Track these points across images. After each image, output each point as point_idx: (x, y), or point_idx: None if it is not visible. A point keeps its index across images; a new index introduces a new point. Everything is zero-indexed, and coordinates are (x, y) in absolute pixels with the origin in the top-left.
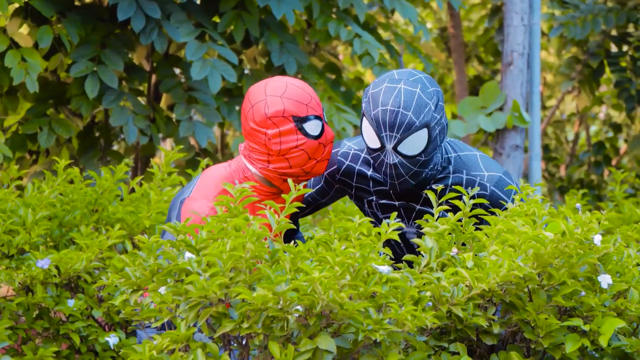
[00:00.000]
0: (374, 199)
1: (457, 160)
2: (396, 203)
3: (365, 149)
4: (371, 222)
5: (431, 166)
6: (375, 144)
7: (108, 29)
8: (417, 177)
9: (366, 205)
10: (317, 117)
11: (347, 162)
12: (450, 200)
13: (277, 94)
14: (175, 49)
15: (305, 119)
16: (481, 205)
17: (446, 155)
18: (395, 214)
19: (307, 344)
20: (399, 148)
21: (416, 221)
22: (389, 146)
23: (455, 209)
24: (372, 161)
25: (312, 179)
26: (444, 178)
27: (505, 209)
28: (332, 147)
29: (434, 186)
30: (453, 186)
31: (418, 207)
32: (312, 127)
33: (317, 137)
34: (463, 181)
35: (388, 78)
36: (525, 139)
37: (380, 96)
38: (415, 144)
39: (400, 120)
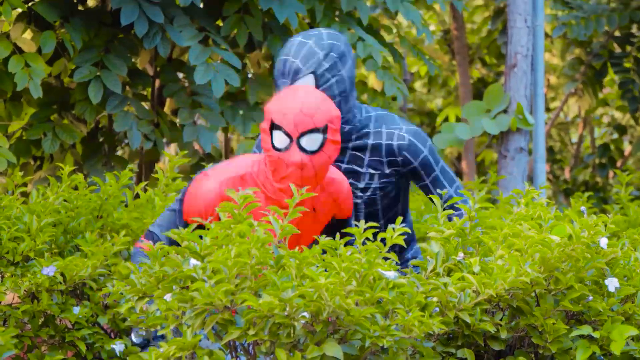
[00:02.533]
0: None
1: (377, 117)
2: None
3: None
4: None
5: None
6: None
7: (111, 33)
8: None
9: None
10: (287, 134)
11: None
12: (370, 158)
13: (280, 93)
14: (178, 53)
15: (276, 127)
16: (403, 159)
17: (367, 114)
18: None
19: (314, 351)
20: None
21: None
22: None
23: (379, 166)
24: None
25: None
26: (366, 135)
27: (426, 159)
28: (295, 173)
29: (356, 143)
30: (373, 143)
31: (344, 165)
32: (278, 139)
33: (279, 150)
34: (384, 135)
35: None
36: (530, 141)
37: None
38: None
39: (289, 67)
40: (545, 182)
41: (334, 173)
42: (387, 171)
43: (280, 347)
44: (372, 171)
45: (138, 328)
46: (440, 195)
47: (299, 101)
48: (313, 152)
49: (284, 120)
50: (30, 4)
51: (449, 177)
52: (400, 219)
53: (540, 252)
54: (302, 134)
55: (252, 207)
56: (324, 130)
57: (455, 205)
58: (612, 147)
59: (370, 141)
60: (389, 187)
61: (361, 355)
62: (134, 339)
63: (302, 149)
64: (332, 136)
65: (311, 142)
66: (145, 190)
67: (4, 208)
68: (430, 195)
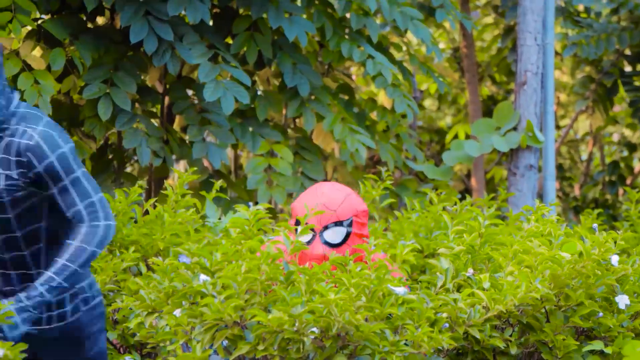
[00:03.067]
0: None
1: (22, 115)
2: None
3: None
4: None
5: None
6: None
7: (121, 51)
8: None
9: None
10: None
11: None
12: (2, 156)
13: (305, 191)
14: (188, 71)
15: (300, 222)
16: (28, 161)
17: (14, 109)
18: None
19: None
20: None
21: None
22: None
23: (7, 165)
24: None
25: None
26: (6, 129)
27: (51, 166)
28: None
29: None
30: (9, 137)
31: None
32: (300, 233)
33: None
34: (19, 132)
35: None
36: (540, 158)
37: None
38: None
39: None
40: (555, 200)
41: None
42: (15, 173)
43: None
44: (0, 170)
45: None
46: (65, 209)
47: (321, 196)
48: (336, 246)
49: (303, 213)
50: (39, 21)
51: (83, 191)
52: (41, 248)
53: (551, 268)
54: (325, 228)
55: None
56: (348, 224)
57: (80, 224)
58: (621, 164)
59: (5, 137)
60: (19, 193)
61: None
62: None
63: (325, 243)
64: (357, 229)
65: (334, 235)
66: (154, 207)
67: None
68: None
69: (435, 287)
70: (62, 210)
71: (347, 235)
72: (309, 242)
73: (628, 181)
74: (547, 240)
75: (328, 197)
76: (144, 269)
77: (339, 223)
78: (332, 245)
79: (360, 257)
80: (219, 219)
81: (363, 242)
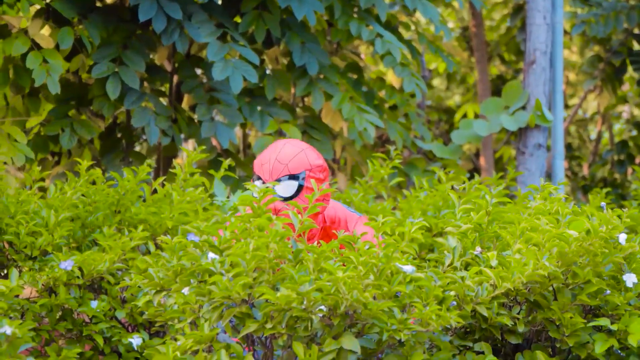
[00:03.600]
0: None
1: None
2: None
3: None
4: None
5: None
6: None
7: (129, 29)
8: None
9: None
10: (259, 179)
11: None
12: None
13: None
14: (196, 50)
15: (257, 177)
16: None
17: None
18: None
19: (331, 344)
20: None
21: None
22: None
23: None
24: None
25: None
26: None
27: None
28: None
29: None
30: None
31: None
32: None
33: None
34: None
35: None
36: (548, 137)
37: None
38: None
39: None
40: (563, 179)
41: (352, 222)
42: None
43: (298, 341)
44: None
45: None
46: None
47: (276, 151)
48: (288, 199)
49: (260, 168)
50: (48, 0)
51: None
52: None
53: (558, 246)
54: (278, 181)
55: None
56: (300, 177)
57: None
58: (630, 143)
59: None
60: None
61: (378, 348)
62: None
63: (277, 196)
64: (310, 183)
65: (286, 188)
66: (163, 186)
67: (22, 203)
68: (449, 191)
69: (443, 266)
70: None
71: (299, 188)
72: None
73: (637, 160)
74: (554, 218)
75: (282, 152)
76: (152, 248)
77: (291, 177)
78: (284, 199)
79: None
80: (227, 197)
81: (322, 198)
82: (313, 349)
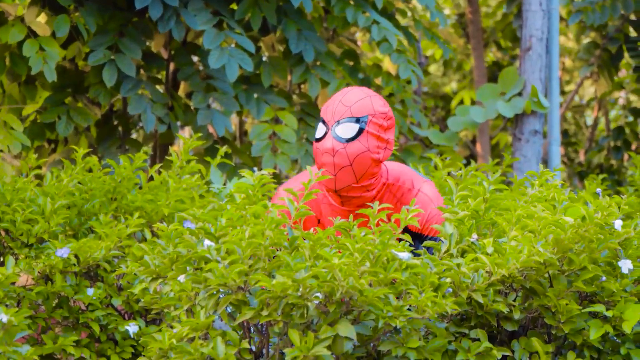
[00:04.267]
0: None
1: None
2: None
3: None
4: None
5: None
6: None
7: (126, 17)
8: None
9: None
10: (324, 122)
11: None
12: None
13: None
14: (193, 37)
15: (321, 120)
16: None
17: None
18: None
19: (327, 331)
20: None
21: None
22: None
23: None
24: None
25: None
26: None
27: None
28: (327, 160)
29: None
30: None
31: None
32: (318, 128)
33: (316, 140)
34: None
35: None
36: (544, 124)
37: None
38: None
39: None
40: (559, 165)
41: (418, 184)
42: None
43: (294, 328)
44: None
45: None
46: None
47: (342, 95)
48: (347, 141)
49: (325, 111)
50: None
51: None
52: None
53: (554, 233)
54: (338, 123)
55: (268, 188)
56: (362, 120)
57: None
58: (627, 130)
59: None
60: None
61: (374, 335)
62: None
63: (336, 137)
64: (373, 129)
65: (344, 130)
66: (159, 173)
67: (18, 190)
68: (445, 178)
69: (439, 252)
70: None
71: (360, 131)
72: (322, 137)
73: (633, 146)
74: (550, 205)
75: (348, 95)
76: (148, 235)
77: (351, 119)
78: (343, 140)
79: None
80: (224, 185)
81: (383, 147)
82: (309, 335)
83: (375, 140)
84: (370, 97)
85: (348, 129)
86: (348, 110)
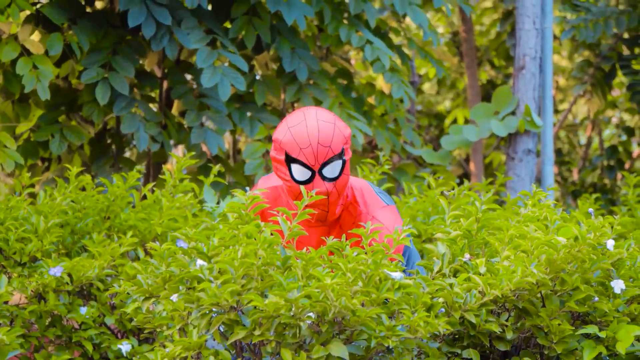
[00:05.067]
0: None
1: None
2: None
3: None
4: None
5: None
6: None
7: (119, 35)
8: None
9: None
10: (306, 166)
11: None
12: None
13: (290, 124)
14: (186, 55)
15: (294, 160)
16: None
17: None
18: None
19: (320, 351)
20: None
21: None
22: None
23: None
24: None
25: None
26: None
27: None
28: (332, 201)
29: None
30: None
31: None
32: (297, 171)
33: (301, 183)
34: None
35: None
36: (538, 143)
37: None
38: None
39: None
40: (553, 184)
41: (373, 209)
42: None
43: (286, 347)
44: None
45: None
46: None
47: (313, 133)
48: (336, 178)
49: (302, 155)
50: (38, 5)
51: None
52: None
53: (547, 253)
54: (323, 165)
55: (261, 207)
56: (342, 154)
57: None
58: (620, 149)
59: None
60: None
61: (367, 355)
62: None
63: (326, 179)
64: (347, 154)
65: (332, 170)
66: (152, 192)
67: (11, 209)
68: (438, 197)
69: (432, 272)
70: None
71: (343, 164)
72: (307, 181)
73: (626, 165)
74: (543, 224)
75: (321, 134)
76: (141, 254)
77: (334, 157)
78: (332, 180)
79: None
80: (217, 203)
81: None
82: (301, 355)
83: (348, 163)
84: (335, 124)
85: (335, 168)
86: (329, 150)
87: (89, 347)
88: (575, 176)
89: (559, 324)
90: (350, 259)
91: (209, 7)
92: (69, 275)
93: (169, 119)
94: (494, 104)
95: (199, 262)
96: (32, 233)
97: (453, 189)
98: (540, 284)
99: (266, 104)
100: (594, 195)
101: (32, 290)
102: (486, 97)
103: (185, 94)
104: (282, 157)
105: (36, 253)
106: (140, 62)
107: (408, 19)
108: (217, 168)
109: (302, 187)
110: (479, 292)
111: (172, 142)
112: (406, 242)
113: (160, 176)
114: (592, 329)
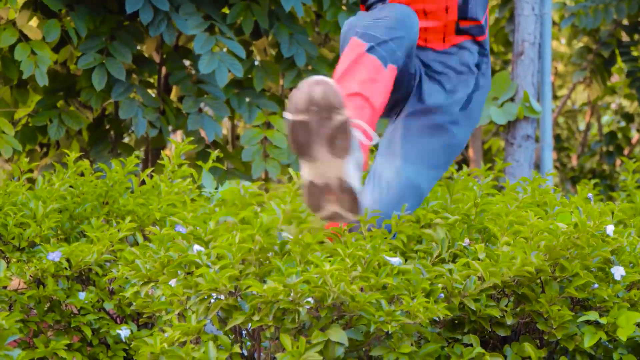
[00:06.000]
0: None
1: None
2: None
3: None
4: None
5: None
6: None
7: (117, 21)
8: None
9: None
10: None
11: None
12: None
13: None
14: (184, 41)
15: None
16: None
17: None
18: None
19: (319, 336)
20: None
21: None
22: None
23: None
24: None
25: None
26: None
27: None
28: None
29: None
30: None
31: None
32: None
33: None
34: None
35: None
36: (537, 128)
37: None
38: None
39: None
40: (552, 170)
41: None
42: None
43: (285, 333)
44: None
45: None
46: None
47: None
48: None
49: None
50: None
51: None
52: None
53: (546, 239)
54: None
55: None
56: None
57: None
58: (619, 134)
59: None
60: None
61: (366, 340)
62: None
63: None
64: None
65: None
66: (151, 177)
67: (10, 194)
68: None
69: (431, 257)
70: None
71: None
72: None
73: (625, 151)
74: (542, 210)
75: None
76: (140, 239)
77: None
78: None
79: None
80: (216, 189)
81: None
82: (300, 340)
83: None
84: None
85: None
86: None
87: (88, 332)
88: (574, 162)
89: (559, 310)
90: (348, 244)
91: None
92: (68, 260)
93: (167, 105)
94: (492, 90)
95: (196, 247)
96: (31, 218)
97: (452, 174)
98: (540, 270)
99: (265, 89)
100: (593, 181)
101: (30, 275)
102: None
103: (183, 79)
104: None
105: (35, 238)
106: (139, 47)
107: None
108: (215, 154)
109: None
110: (478, 278)
111: (170, 127)
112: None
113: (158, 161)
114: (592, 316)
